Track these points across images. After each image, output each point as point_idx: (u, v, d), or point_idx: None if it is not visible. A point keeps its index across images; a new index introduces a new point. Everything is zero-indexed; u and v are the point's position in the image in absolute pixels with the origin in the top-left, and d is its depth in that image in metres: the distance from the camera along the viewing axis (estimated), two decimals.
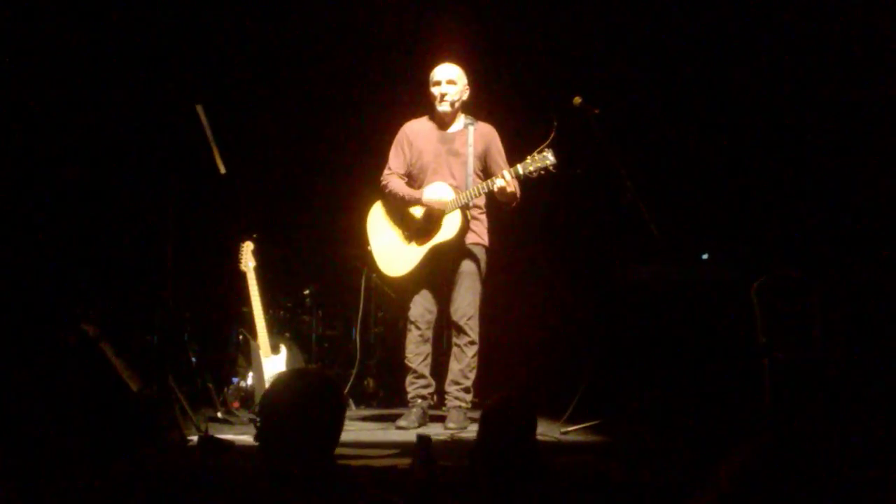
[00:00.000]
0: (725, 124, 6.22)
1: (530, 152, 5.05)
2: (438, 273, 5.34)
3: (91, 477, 3.62)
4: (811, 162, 5.91)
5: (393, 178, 5.40)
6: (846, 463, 1.90)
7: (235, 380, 5.79)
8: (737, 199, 6.16)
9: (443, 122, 5.40)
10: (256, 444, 2.55)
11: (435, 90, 5.35)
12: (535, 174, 5.05)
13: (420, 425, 5.22)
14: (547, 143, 5.02)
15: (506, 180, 5.08)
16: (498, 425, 2.77)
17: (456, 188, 5.24)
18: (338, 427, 2.56)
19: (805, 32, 5.88)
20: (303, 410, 2.47)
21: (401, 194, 5.35)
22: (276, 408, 2.52)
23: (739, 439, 1.95)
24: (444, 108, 5.34)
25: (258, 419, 2.57)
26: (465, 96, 5.41)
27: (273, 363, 5.56)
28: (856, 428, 4.42)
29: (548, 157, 5.01)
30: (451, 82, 5.34)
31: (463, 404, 5.29)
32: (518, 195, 5.19)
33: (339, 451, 3.49)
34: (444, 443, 4.75)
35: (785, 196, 6.00)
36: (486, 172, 5.32)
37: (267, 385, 5.46)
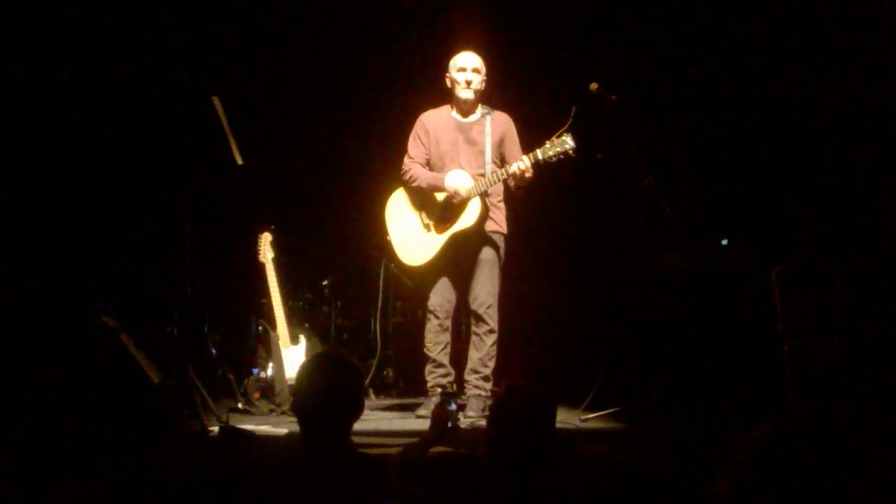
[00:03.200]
0: (744, 109, 6.18)
1: (549, 138, 5.04)
2: (458, 262, 5.34)
3: (113, 468, 3.65)
4: (832, 146, 5.87)
5: (415, 166, 5.39)
6: (862, 449, 1.88)
7: (255, 370, 5.81)
8: (756, 185, 6.13)
9: (462, 109, 5.39)
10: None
11: (459, 76, 5.32)
12: (554, 159, 5.04)
13: None
14: (566, 127, 5.00)
15: (525, 165, 5.06)
16: (510, 415, 2.76)
17: (474, 176, 5.24)
18: (359, 402, 2.90)
19: (833, 15, 5.83)
20: (332, 387, 2.79)
21: (425, 179, 5.34)
22: (309, 386, 2.82)
23: (754, 425, 1.94)
24: (467, 94, 5.32)
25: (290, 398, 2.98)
26: (484, 86, 5.40)
27: (292, 354, 5.58)
28: (874, 414, 4.40)
29: (567, 142, 4.99)
30: (475, 70, 5.33)
31: (483, 393, 5.28)
32: (532, 183, 5.17)
33: (359, 440, 3.52)
34: (463, 431, 4.75)
35: (805, 181, 5.96)
36: (502, 161, 5.32)
37: (289, 374, 5.50)
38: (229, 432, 4.45)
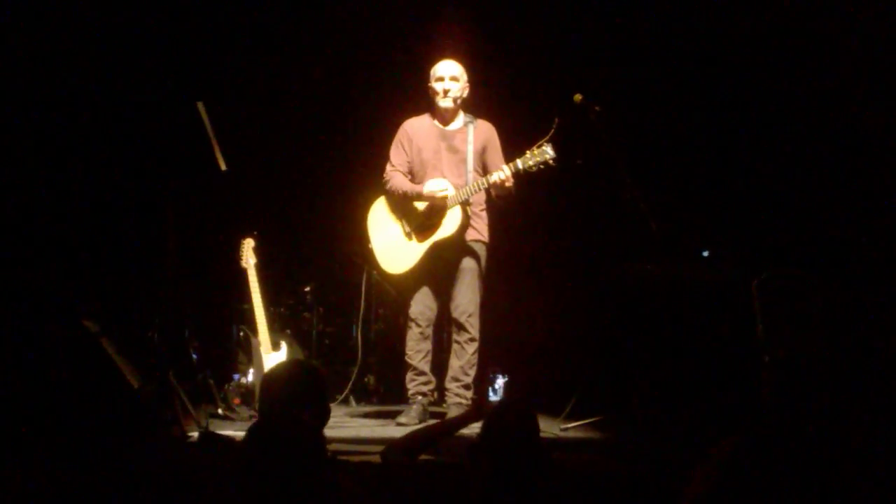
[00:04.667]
0: (726, 121, 6.22)
1: (530, 148, 5.07)
2: (439, 270, 5.35)
3: (92, 472, 3.64)
4: (812, 159, 5.91)
5: (395, 175, 5.41)
6: (840, 461, 1.90)
7: (236, 376, 5.80)
8: (737, 197, 6.16)
9: (443, 118, 5.41)
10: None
11: (437, 85, 5.36)
12: (534, 168, 5.07)
13: (420, 422, 5.22)
14: (547, 137, 5.03)
15: (505, 174, 5.09)
16: (501, 425, 2.78)
17: (455, 184, 5.25)
18: (324, 410, 2.96)
19: (808, 30, 5.88)
20: (296, 394, 2.85)
21: (402, 189, 5.36)
22: (273, 392, 2.90)
23: (723, 436, 1.96)
24: (446, 103, 5.35)
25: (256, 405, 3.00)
26: (465, 94, 5.42)
27: (274, 360, 5.56)
28: (854, 426, 4.43)
29: (547, 152, 5.02)
30: (453, 79, 5.36)
31: (463, 401, 5.29)
32: (513, 192, 5.19)
33: (339, 447, 3.53)
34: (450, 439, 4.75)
35: (786, 193, 6.00)
36: (484, 170, 5.34)
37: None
38: (209, 438, 4.44)
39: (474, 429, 3.00)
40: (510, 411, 2.86)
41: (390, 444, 3.36)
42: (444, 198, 5.22)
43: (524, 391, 5.77)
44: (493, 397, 6.20)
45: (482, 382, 5.73)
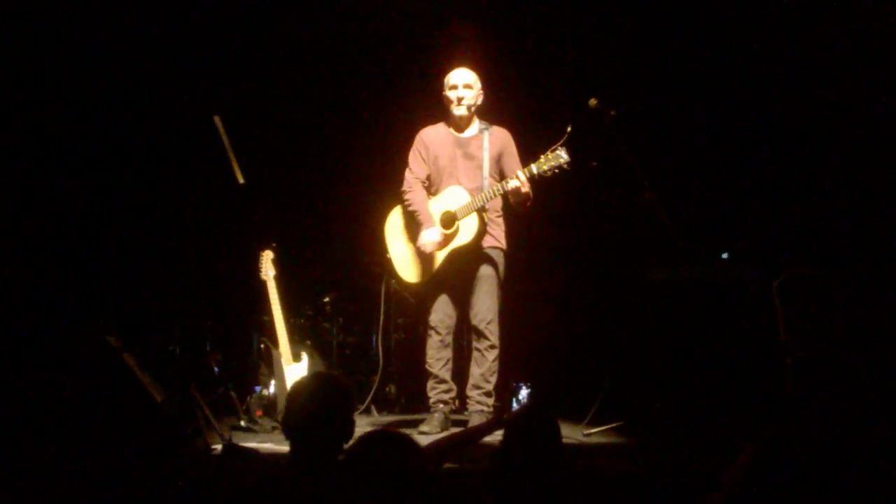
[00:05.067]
0: (744, 123, 6.20)
1: (544, 152, 5.07)
2: (457, 278, 5.35)
3: (117, 487, 3.65)
4: (832, 159, 5.88)
5: (415, 190, 5.40)
6: (865, 462, 1.89)
7: (258, 388, 5.81)
8: (757, 198, 6.14)
9: (458, 126, 5.42)
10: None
11: (451, 94, 5.37)
12: (549, 173, 5.06)
13: (442, 430, 5.21)
14: (561, 141, 5.02)
15: (520, 180, 5.09)
16: (522, 431, 2.78)
17: (472, 191, 5.25)
18: (349, 424, 2.91)
19: (831, 29, 5.85)
20: (320, 409, 2.84)
21: (413, 209, 5.39)
22: (297, 406, 2.88)
23: (749, 439, 1.96)
24: (460, 111, 5.36)
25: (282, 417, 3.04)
26: (480, 101, 5.43)
27: (295, 371, 5.57)
28: (875, 426, 4.40)
29: (561, 156, 5.01)
30: (467, 86, 5.37)
31: (485, 408, 5.28)
32: (531, 197, 5.19)
33: None
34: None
35: (805, 193, 5.97)
36: (501, 176, 5.34)
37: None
38: (232, 450, 4.45)
39: (497, 436, 2.99)
40: (531, 417, 2.86)
41: None
42: (432, 252, 5.28)
43: (546, 397, 5.76)
44: (516, 407, 6.18)
45: (505, 392, 5.71)
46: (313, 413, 2.82)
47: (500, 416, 3.44)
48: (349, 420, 2.92)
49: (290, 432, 2.89)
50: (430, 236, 5.29)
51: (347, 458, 2.54)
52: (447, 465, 3.52)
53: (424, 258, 5.37)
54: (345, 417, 2.90)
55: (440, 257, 5.31)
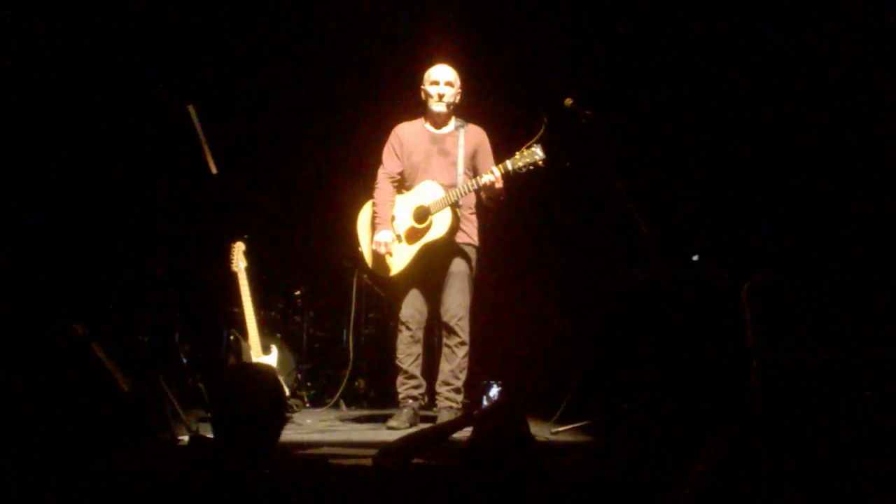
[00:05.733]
0: (716, 125, 6.23)
1: (519, 149, 5.08)
2: (429, 273, 5.35)
3: (82, 476, 3.62)
4: (801, 162, 5.93)
5: (382, 188, 5.41)
6: (831, 464, 1.91)
7: None
8: (727, 200, 6.18)
9: (435, 122, 5.42)
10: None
11: (432, 89, 5.36)
12: (524, 169, 5.07)
13: (411, 426, 5.22)
14: (535, 138, 5.03)
15: (495, 176, 5.09)
16: (489, 427, 2.78)
17: (445, 186, 5.25)
18: (279, 418, 2.80)
19: (797, 32, 5.90)
20: (247, 403, 2.70)
21: (376, 210, 5.43)
22: (225, 401, 2.76)
23: (713, 439, 1.97)
24: (439, 108, 5.35)
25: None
26: (458, 99, 5.43)
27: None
28: (845, 429, 4.44)
29: (536, 153, 5.02)
30: (449, 84, 5.37)
31: (454, 405, 5.29)
32: (504, 193, 5.20)
33: (330, 450, 3.50)
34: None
35: (775, 197, 6.01)
36: (475, 173, 5.34)
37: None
38: (199, 441, 4.42)
39: (466, 433, 2.99)
40: (498, 413, 2.85)
41: (382, 449, 3.35)
42: (387, 252, 5.33)
43: (514, 394, 5.77)
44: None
45: (476, 390, 5.72)
46: (245, 406, 2.68)
47: (469, 412, 3.41)
48: (281, 413, 2.82)
49: (215, 425, 2.77)
50: (382, 237, 5.33)
51: None
52: (415, 461, 3.52)
53: (397, 252, 5.36)
54: (277, 410, 2.78)
55: (412, 252, 5.31)
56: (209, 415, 2.82)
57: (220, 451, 2.74)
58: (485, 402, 5.49)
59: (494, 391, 5.52)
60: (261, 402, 2.70)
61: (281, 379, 2.99)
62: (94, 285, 5.76)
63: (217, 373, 5.80)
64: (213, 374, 5.69)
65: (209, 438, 4.42)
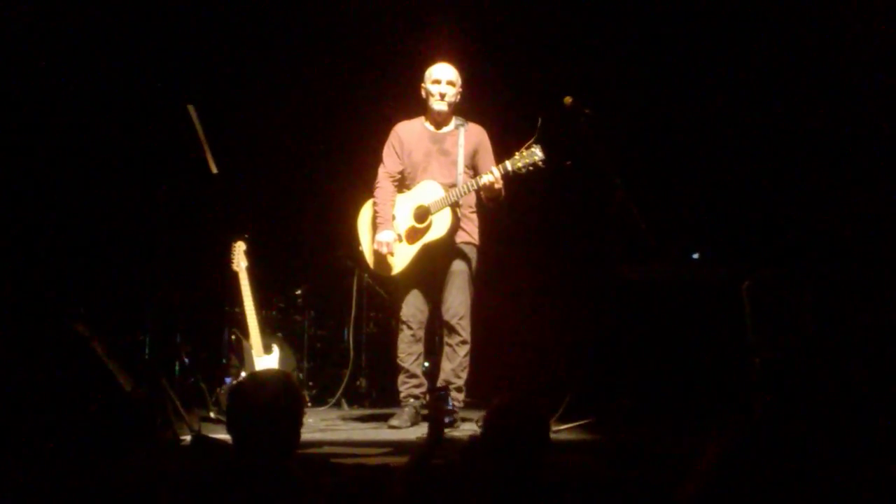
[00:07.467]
0: (716, 123, 6.24)
1: (518, 149, 5.08)
2: (430, 272, 5.36)
3: (84, 476, 3.63)
4: (801, 160, 5.93)
5: (382, 187, 5.41)
6: (830, 461, 1.92)
7: (228, 380, 5.79)
8: (727, 198, 6.19)
9: (436, 121, 5.42)
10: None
11: (434, 87, 5.35)
12: (523, 170, 5.06)
13: (412, 424, 5.23)
14: (534, 138, 5.03)
15: (494, 176, 5.09)
16: (505, 424, 2.73)
17: (446, 186, 5.26)
18: (297, 425, 2.76)
19: (797, 31, 5.91)
20: (266, 410, 2.65)
21: (376, 210, 5.42)
22: (243, 407, 2.70)
23: (719, 433, 1.98)
24: (440, 106, 5.35)
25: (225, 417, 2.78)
26: (458, 98, 5.43)
27: (265, 363, 5.56)
28: (844, 426, 4.44)
29: (536, 153, 5.01)
30: (450, 83, 5.36)
31: (455, 404, 5.29)
32: (503, 193, 5.21)
33: (332, 450, 3.49)
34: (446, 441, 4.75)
35: (775, 195, 6.02)
36: (475, 173, 5.34)
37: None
38: (201, 442, 4.44)
39: (465, 432, 2.97)
40: (515, 409, 2.77)
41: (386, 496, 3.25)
42: (388, 252, 5.32)
43: (517, 392, 5.78)
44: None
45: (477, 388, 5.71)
46: (260, 413, 2.63)
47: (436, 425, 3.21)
48: (298, 423, 2.76)
49: (234, 432, 2.71)
50: (384, 237, 5.32)
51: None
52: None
53: (398, 251, 5.37)
54: (296, 419, 2.75)
55: (413, 251, 5.32)
56: (229, 435, 2.74)
57: (242, 458, 2.70)
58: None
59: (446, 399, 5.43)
60: (276, 412, 2.65)
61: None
62: (96, 285, 5.77)
63: (229, 391, 5.79)
64: (225, 391, 5.67)
65: (212, 439, 4.44)
